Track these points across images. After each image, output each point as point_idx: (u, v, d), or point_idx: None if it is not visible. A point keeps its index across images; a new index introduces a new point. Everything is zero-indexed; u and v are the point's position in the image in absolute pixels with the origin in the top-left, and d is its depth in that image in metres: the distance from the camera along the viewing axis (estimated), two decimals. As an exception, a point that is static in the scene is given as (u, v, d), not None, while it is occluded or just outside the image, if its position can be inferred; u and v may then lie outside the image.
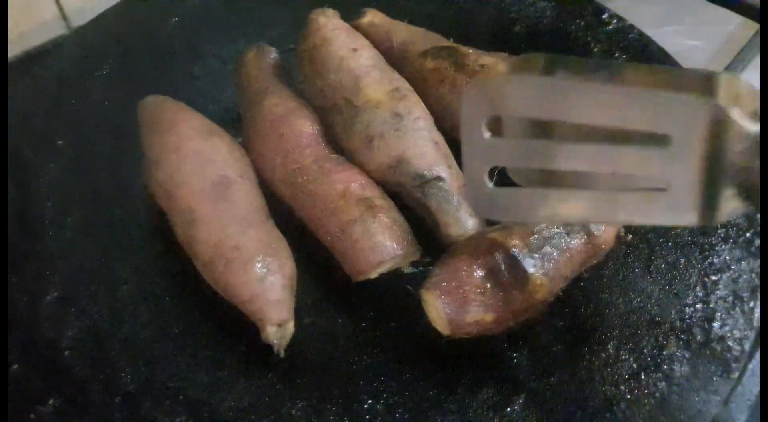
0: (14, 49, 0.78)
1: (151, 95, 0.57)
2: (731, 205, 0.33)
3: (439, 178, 0.49)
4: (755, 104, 0.32)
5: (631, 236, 0.51)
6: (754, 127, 0.32)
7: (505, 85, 0.36)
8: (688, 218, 0.33)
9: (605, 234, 0.49)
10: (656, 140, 0.32)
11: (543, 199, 0.37)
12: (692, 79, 0.34)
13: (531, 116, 0.36)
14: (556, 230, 0.47)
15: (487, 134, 0.36)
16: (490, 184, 0.37)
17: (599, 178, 0.36)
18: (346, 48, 0.56)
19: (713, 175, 0.32)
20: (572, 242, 0.47)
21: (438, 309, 0.43)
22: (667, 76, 0.36)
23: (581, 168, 0.35)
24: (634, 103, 0.33)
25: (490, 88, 0.36)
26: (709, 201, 0.32)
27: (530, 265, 0.45)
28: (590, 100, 0.33)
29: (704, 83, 0.33)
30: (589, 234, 0.48)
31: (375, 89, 0.53)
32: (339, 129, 0.54)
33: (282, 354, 0.44)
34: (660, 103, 0.32)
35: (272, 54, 0.61)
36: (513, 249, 0.45)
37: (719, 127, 0.31)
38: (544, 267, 0.45)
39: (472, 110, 0.36)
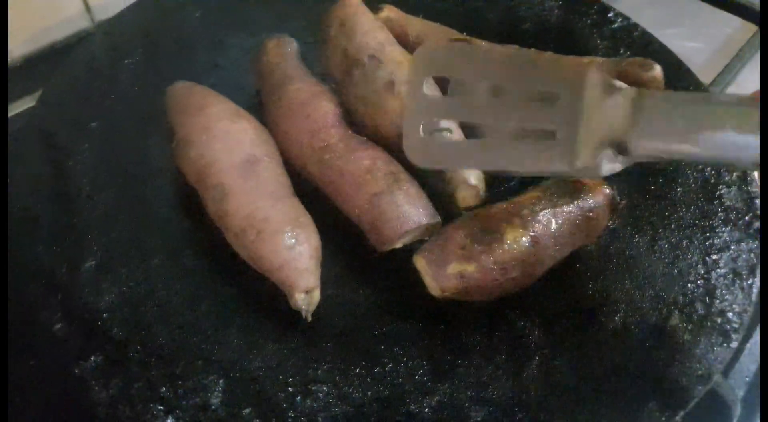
0: (39, 42, 0.82)
1: (180, 81, 0.60)
2: (611, 162, 0.39)
3: (449, 130, 0.52)
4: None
5: (624, 202, 0.54)
6: (632, 93, 0.37)
7: (440, 51, 0.44)
8: (571, 168, 0.39)
9: (594, 196, 0.52)
10: (549, 98, 0.39)
11: (461, 149, 0.44)
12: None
13: (458, 76, 0.42)
14: (543, 199, 0.50)
15: (426, 91, 0.43)
16: (422, 134, 0.43)
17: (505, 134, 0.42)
18: (375, 23, 0.60)
19: (591, 131, 0.38)
20: (557, 205, 0.50)
21: (424, 268, 0.47)
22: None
23: (491, 121, 0.41)
24: (529, 64, 0.40)
25: (429, 54, 0.44)
26: (588, 153, 0.38)
27: (507, 221, 0.48)
28: (495, 62, 0.41)
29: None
30: (575, 197, 0.51)
31: (400, 52, 0.58)
32: (358, 80, 0.57)
33: (309, 319, 0.47)
34: (550, 65, 0.40)
35: (293, 44, 0.64)
36: (495, 213, 0.49)
37: (599, 89, 0.37)
38: (523, 224, 0.48)
39: (415, 71, 0.43)
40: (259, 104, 0.62)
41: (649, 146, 0.38)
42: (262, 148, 0.55)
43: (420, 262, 0.48)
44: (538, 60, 0.43)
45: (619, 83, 0.39)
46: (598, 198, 0.52)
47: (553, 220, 0.49)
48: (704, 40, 0.96)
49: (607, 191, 0.52)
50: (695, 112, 0.37)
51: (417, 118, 0.43)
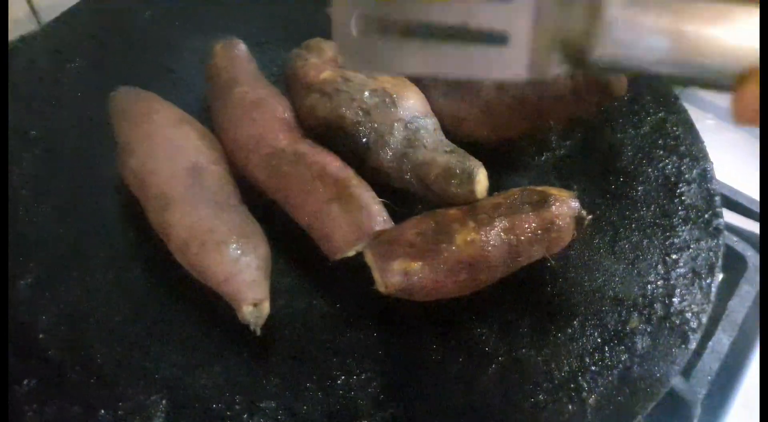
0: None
1: (123, 87, 0.58)
2: (556, 65, 0.35)
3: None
4: None
5: (590, 216, 0.51)
6: None
7: None
8: (519, 71, 0.36)
9: (557, 208, 0.49)
10: None
11: (398, 49, 0.38)
12: None
13: None
14: (504, 205, 0.49)
15: None
16: (355, 32, 0.38)
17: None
18: None
19: (546, 31, 0.34)
20: (517, 213, 0.48)
21: (371, 261, 0.46)
22: None
23: (437, 18, 0.36)
24: None
25: None
26: (538, 56, 0.35)
27: (461, 223, 0.47)
28: None
29: None
30: (538, 207, 0.48)
31: None
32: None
33: (258, 332, 0.45)
34: None
35: (240, 46, 0.62)
36: (452, 214, 0.48)
37: None
38: (477, 228, 0.46)
39: None
40: (208, 109, 0.60)
41: (611, 51, 0.33)
42: (207, 155, 0.53)
43: (368, 255, 0.47)
44: None
45: None
46: (562, 210, 0.49)
47: (510, 228, 0.47)
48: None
49: (573, 204, 0.49)
50: (669, 9, 0.33)
51: (346, 13, 0.38)
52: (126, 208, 0.54)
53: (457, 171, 0.50)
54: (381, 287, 0.46)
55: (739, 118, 0.31)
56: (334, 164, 0.52)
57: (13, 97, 0.60)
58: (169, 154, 0.51)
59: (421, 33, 0.37)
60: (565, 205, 0.49)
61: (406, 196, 0.53)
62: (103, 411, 0.42)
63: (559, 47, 0.35)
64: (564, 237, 0.50)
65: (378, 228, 0.49)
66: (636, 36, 0.33)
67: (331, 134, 0.54)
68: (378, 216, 0.50)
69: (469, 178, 0.50)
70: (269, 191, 0.53)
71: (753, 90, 0.30)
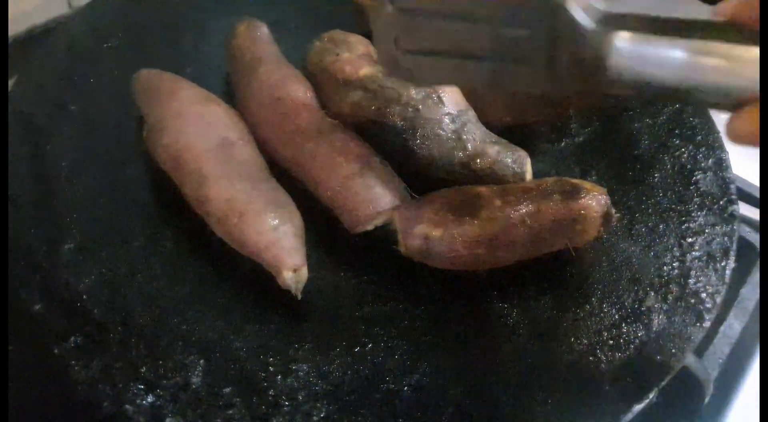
0: (18, 27, 0.81)
1: (144, 69, 0.60)
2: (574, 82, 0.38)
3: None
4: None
5: (618, 215, 0.52)
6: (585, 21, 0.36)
7: None
8: (541, 86, 0.40)
9: (586, 201, 0.50)
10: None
11: (436, 66, 0.42)
12: None
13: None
14: (535, 191, 0.50)
15: (389, 8, 0.41)
16: (396, 52, 0.42)
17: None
18: None
19: (561, 54, 0.38)
20: (545, 200, 0.49)
21: (396, 223, 0.49)
22: None
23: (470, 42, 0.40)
24: None
25: None
26: (557, 74, 0.38)
27: (488, 200, 0.49)
28: None
29: None
30: (567, 197, 0.50)
31: None
32: None
33: (299, 296, 0.47)
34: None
35: (263, 28, 0.64)
36: (481, 191, 0.50)
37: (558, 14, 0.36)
38: (502, 208, 0.48)
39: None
40: (230, 88, 0.62)
41: (623, 73, 0.36)
42: (234, 131, 0.55)
43: (395, 218, 0.49)
44: None
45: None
46: (590, 204, 0.49)
47: (535, 213, 0.49)
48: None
49: (603, 200, 0.50)
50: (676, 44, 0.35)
51: (387, 34, 0.42)
52: (159, 182, 0.56)
53: (509, 161, 0.54)
54: (402, 248, 0.49)
55: (734, 137, 0.34)
56: (355, 141, 0.54)
57: (55, 73, 0.63)
58: (201, 131, 0.53)
59: (456, 53, 0.40)
60: (595, 200, 0.50)
61: (428, 179, 0.55)
62: (144, 369, 0.44)
63: (576, 67, 0.37)
64: (589, 232, 0.51)
65: (397, 202, 0.51)
66: (643, 64, 0.36)
67: (378, 129, 0.56)
68: (398, 190, 0.52)
69: (521, 167, 0.54)
70: (292, 168, 0.55)
71: (752, 114, 0.32)
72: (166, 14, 0.73)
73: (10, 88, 0.61)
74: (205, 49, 0.70)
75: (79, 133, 0.59)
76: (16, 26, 0.79)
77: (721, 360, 0.61)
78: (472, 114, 0.56)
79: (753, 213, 0.72)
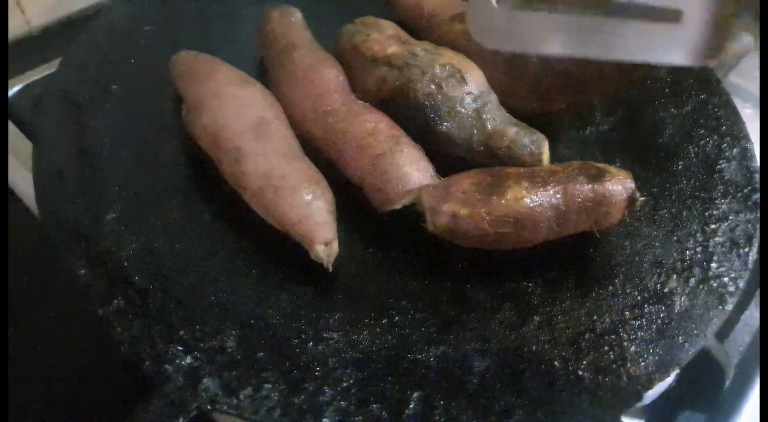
0: (57, 13, 0.84)
1: (183, 50, 0.62)
2: (735, 46, 0.32)
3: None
4: None
5: (643, 198, 0.52)
6: None
7: None
8: (689, 54, 0.31)
9: (612, 184, 0.51)
10: None
11: (544, 24, 0.34)
12: None
13: None
14: (561, 173, 0.51)
15: None
16: (495, 2, 0.35)
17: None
18: None
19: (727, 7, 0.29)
20: (571, 182, 0.50)
21: (424, 201, 0.50)
22: None
23: None
24: None
25: None
26: (718, 36, 0.31)
27: (515, 181, 0.50)
28: None
29: None
30: (593, 180, 0.51)
31: None
32: None
33: (330, 268, 0.49)
34: None
35: (297, 14, 0.67)
36: (509, 172, 0.51)
37: None
38: (530, 188, 0.49)
39: None
40: (263, 72, 0.64)
41: None
42: (270, 111, 0.57)
43: (423, 196, 0.50)
44: None
45: None
46: (616, 187, 0.50)
47: (562, 195, 0.50)
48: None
49: (629, 184, 0.51)
50: None
51: None
52: (195, 158, 0.58)
53: (527, 141, 0.55)
54: (429, 226, 0.50)
55: None
56: (385, 122, 0.56)
57: (97, 55, 0.65)
58: (238, 110, 0.55)
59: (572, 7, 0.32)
60: (621, 184, 0.51)
61: (454, 161, 0.57)
62: (182, 332, 0.46)
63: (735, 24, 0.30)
64: (614, 214, 0.52)
65: (426, 181, 0.53)
66: None
67: (400, 105, 0.58)
68: (426, 171, 0.54)
69: (539, 148, 0.55)
70: (324, 148, 0.57)
71: None
72: (201, 1, 0.75)
73: (55, 69, 0.63)
74: (238, 34, 0.72)
75: (120, 111, 0.62)
76: (59, 10, 0.82)
77: (741, 348, 0.62)
78: (494, 97, 0.58)
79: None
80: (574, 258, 0.55)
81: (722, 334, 0.62)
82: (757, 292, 0.66)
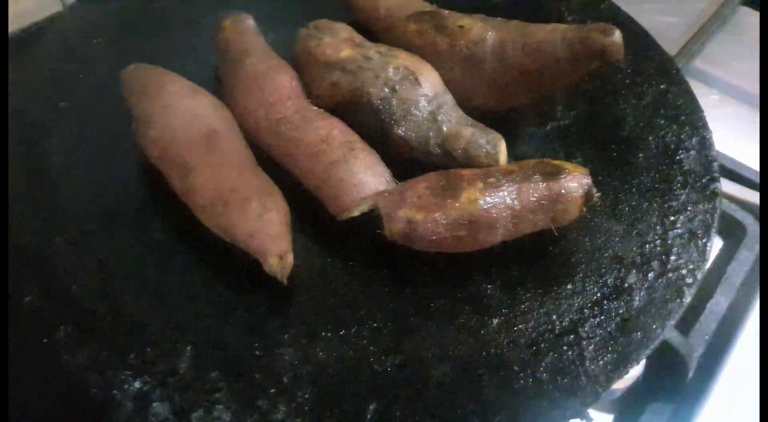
0: (13, 26, 0.83)
1: (133, 64, 0.61)
2: None
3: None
4: None
5: (599, 196, 0.52)
6: None
7: None
8: None
9: (567, 181, 0.50)
10: None
11: None
12: None
13: None
14: (517, 173, 0.51)
15: None
16: None
17: None
18: None
19: None
20: (527, 181, 0.50)
21: (380, 208, 0.49)
22: None
23: None
24: None
25: None
26: None
27: (469, 183, 0.49)
28: None
29: None
30: (548, 178, 0.50)
31: None
32: None
33: (285, 282, 0.48)
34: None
35: (249, 20, 0.65)
36: (464, 174, 0.50)
37: None
38: (484, 189, 0.49)
39: None
40: (217, 80, 0.63)
41: None
42: (221, 122, 0.56)
43: (379, 202, 0.50)
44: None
45: None
46: (572, 184, 0.50)
47: (517, 194, 0.50)
48: (680, 15, 0.98)
49: (584, 181, 0.51)
50: None
51: None
52: (148, 175, 0.57)
53: (483, 142, 0.54)
54: (386, 233, 0.49)
55: None
56: (339, 128, 0.55)
57: (45, 71, 0.64)
58: (187, 123, 0.54)
59: None
60: (576, 180, 0.50)
61: (411, 164, 0.56)
62: (132, 355, 0.46)
63: None
64: (571, 211, 0.51)
65: (382, 187, 0.52)
66: None
67: (355, 110, 0.57)
68: (382, 176, 0.53)
69: (495, 148, 0.54)
70: (278, 156, 0.56)
71: None
72: (157, 10, 0.74)
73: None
74: (196, 43, 0.71)
75: (71, 129, 0.61)
76: (13, 25, 0.81)
77: (707, 337, 0.62)
78: (449, 97, 0.57)
79: (739, 191, 0.73)
80: (533, 256, 0.54)
81: (687, 324, 0.62)
82: (723, 279, 0.66)
